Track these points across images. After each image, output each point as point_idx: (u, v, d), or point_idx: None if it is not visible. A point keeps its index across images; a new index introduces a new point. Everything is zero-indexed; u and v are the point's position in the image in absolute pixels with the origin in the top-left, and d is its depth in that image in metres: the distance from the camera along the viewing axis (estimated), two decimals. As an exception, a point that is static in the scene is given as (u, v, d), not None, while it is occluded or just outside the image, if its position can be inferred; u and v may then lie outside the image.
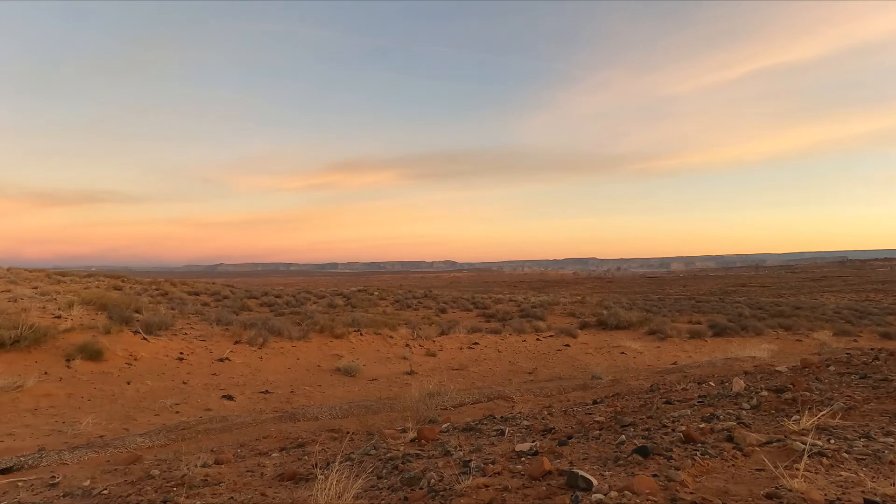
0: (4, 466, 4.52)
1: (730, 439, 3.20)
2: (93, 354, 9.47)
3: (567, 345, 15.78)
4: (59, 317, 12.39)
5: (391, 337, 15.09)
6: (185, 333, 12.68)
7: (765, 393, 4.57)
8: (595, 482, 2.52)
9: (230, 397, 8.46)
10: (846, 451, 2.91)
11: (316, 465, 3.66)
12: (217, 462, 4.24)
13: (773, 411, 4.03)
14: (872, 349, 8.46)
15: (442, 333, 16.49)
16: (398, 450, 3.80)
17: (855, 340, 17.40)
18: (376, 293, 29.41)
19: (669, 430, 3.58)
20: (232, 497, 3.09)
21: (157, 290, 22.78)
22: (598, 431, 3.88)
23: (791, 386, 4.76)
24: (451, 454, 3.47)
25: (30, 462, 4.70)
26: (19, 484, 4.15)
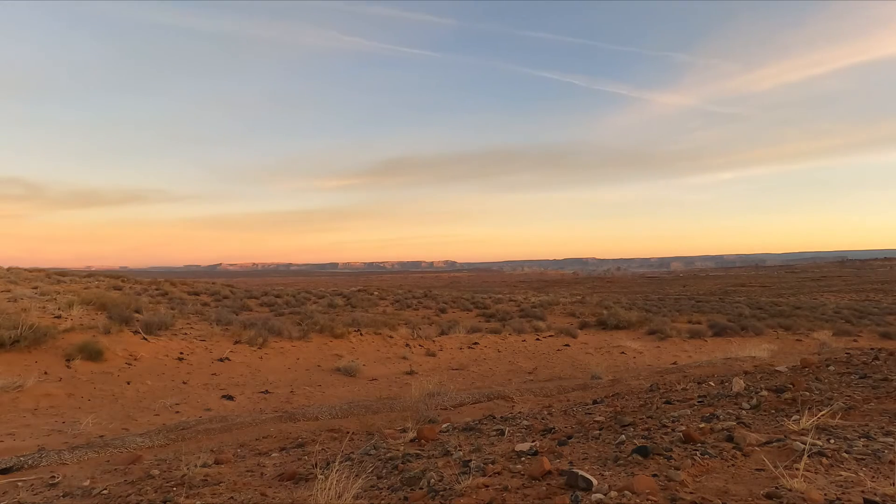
0: (4, 466, 4.52)
1: (730, 439, 3.20)
2: (93, 354, 9.46)
3: (567, 345, 15.78)
4: (59, 317, 12.38)
5: (391, 337, 15.08)
6: (185, 333, 12.68)
7: (765, 393, 4.58)
8: (595, 482, 2.52)
9: (230, 397, 8.46)
10: (846, 451, 2.91)
11: (316, 465, 3.66)
12: (217, 462, 4.24)
13: (773, 411, 4.03)
14: (872, 349, 8.46)
15: (442, 333, 16.49)
16: (398, 450, 3.80)
17: (855, 340, 17.41)
18: (376, 293, 29.41)
19: (669, 429, 3.58)
20: (232, 497, 3.09)
21: (156, 290, 22.78)
22: (597, 431, 3.88)
23: (791, 386, 4.76)
24: (451, 454, 3.47)
25: (30, 462, 4.70)
26: (19, 484, 4.15)
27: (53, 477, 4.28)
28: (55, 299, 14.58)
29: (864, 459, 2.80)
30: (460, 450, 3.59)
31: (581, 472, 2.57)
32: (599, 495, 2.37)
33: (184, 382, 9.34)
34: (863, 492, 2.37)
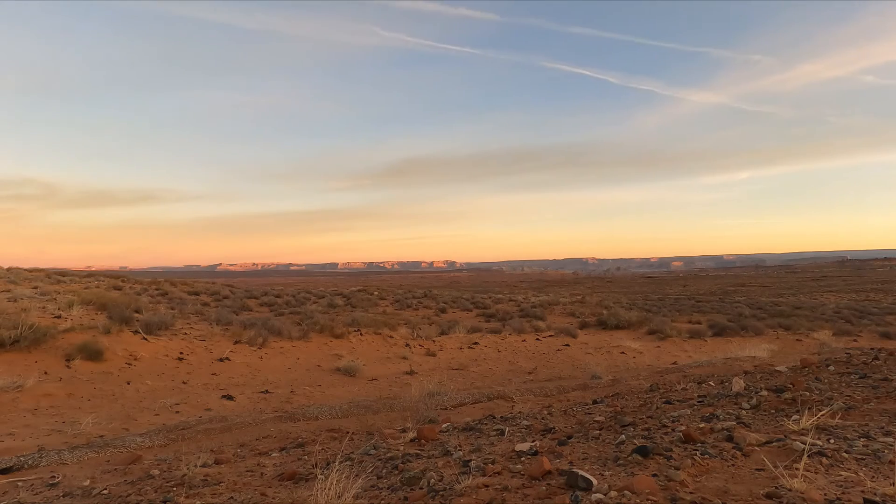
0: (4, 466, 4.52)
1: (730, 439, 3.20)
2: (93, 354, 9.46)
3: (567, 344, 15.78)
4: (59, 317, 12.38)
5: (391, 337, 15.08)
6: (185, 333, 12.68)
7: (764, 393, 4.58)
8: (595, 482, 2.52)
9: (230, 397, 8.46)
10: (846, 451, 2.91)
11: (316, 464, 3.66)
12: (217, 462, 4.24)
13: (773, 411, 4.03)
14: (872, 349, 8.46)
15: (442, 333, 16.49)
16: (398, 450, 3.80)
17: (855, 340, 17.40)
18: (376, 293, 29.41)
19: (669, 429, 3.58)
20: (232, 497, 3.09)
21: (156, 290, 22.77)
22: (597, 431, 3.88)
23: (791, 386, 4.76)
24: (451, 454, 3.47)
25: (30, 462, 4.70)
26: (19, 484, 4.15)
27: (53, 477, 4.28)
28: (55, 299, 14.59)
29: (864, 459, 2.80)
30: (460, 450, 3.59)
31: (581, 472, 2.57)
32: (599, 495, 2.37)
33: (184, 382, 9.34)
34: (863, 492, 2.36)
